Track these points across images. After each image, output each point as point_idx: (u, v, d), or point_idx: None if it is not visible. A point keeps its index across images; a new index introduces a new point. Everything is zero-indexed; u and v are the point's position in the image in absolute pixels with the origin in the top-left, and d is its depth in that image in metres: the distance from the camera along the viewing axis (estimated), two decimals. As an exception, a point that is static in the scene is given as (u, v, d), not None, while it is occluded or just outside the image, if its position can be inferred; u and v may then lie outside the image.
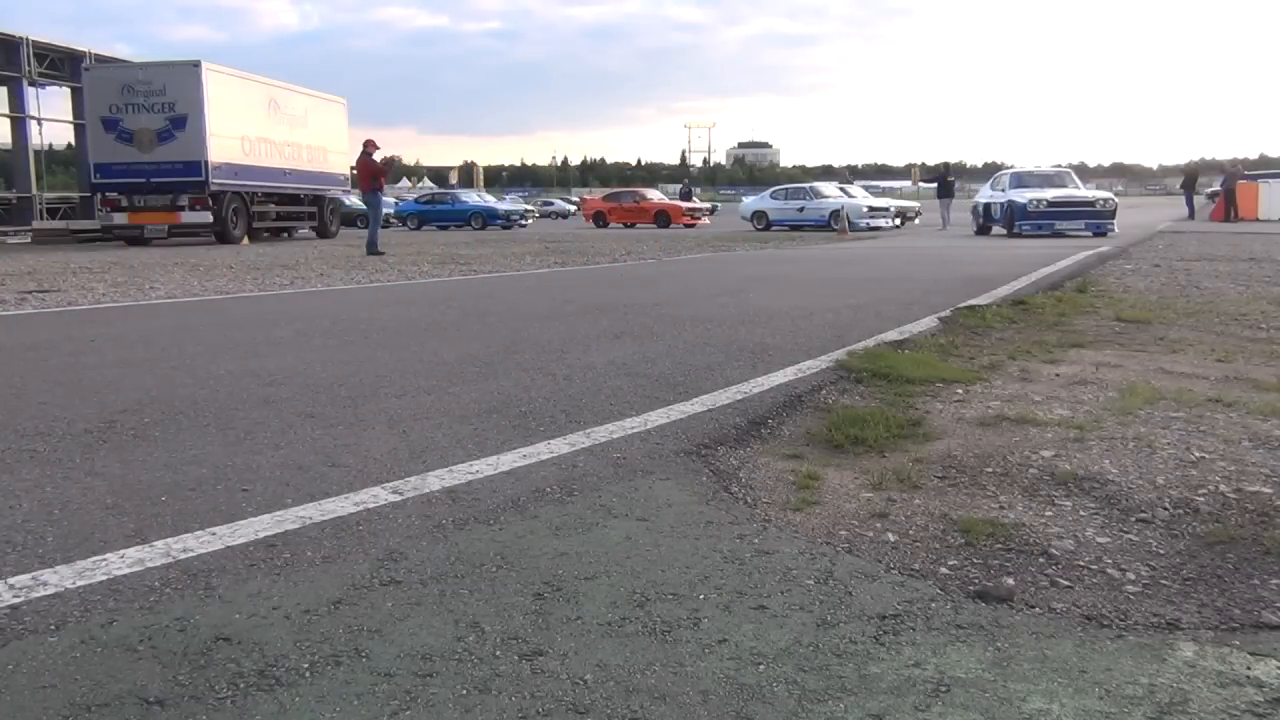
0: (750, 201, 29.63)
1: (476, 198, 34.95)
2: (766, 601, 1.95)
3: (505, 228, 31.09)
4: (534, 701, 1.57)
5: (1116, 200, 19.74)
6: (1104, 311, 6.47)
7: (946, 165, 33.42)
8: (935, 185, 28.86)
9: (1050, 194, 19.58)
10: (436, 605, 1.92)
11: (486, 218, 31.81)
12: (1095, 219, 18.96)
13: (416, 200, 35.33)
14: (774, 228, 26.19)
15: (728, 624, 1.85)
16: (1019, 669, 1.69)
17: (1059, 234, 18.56)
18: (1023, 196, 19.56)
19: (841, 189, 29.13)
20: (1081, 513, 2.49)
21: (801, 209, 26.29)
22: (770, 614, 1.90)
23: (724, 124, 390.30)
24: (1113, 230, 18.66)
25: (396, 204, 36.41)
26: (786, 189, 29.09)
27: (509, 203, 36.64)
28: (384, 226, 20.96)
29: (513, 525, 2.38)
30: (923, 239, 19.93)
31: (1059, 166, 22.94)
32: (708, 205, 36.68)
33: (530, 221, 33.19)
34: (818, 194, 27.09)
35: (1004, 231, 20.09)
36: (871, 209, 26.49)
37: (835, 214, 24.85)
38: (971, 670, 1.68)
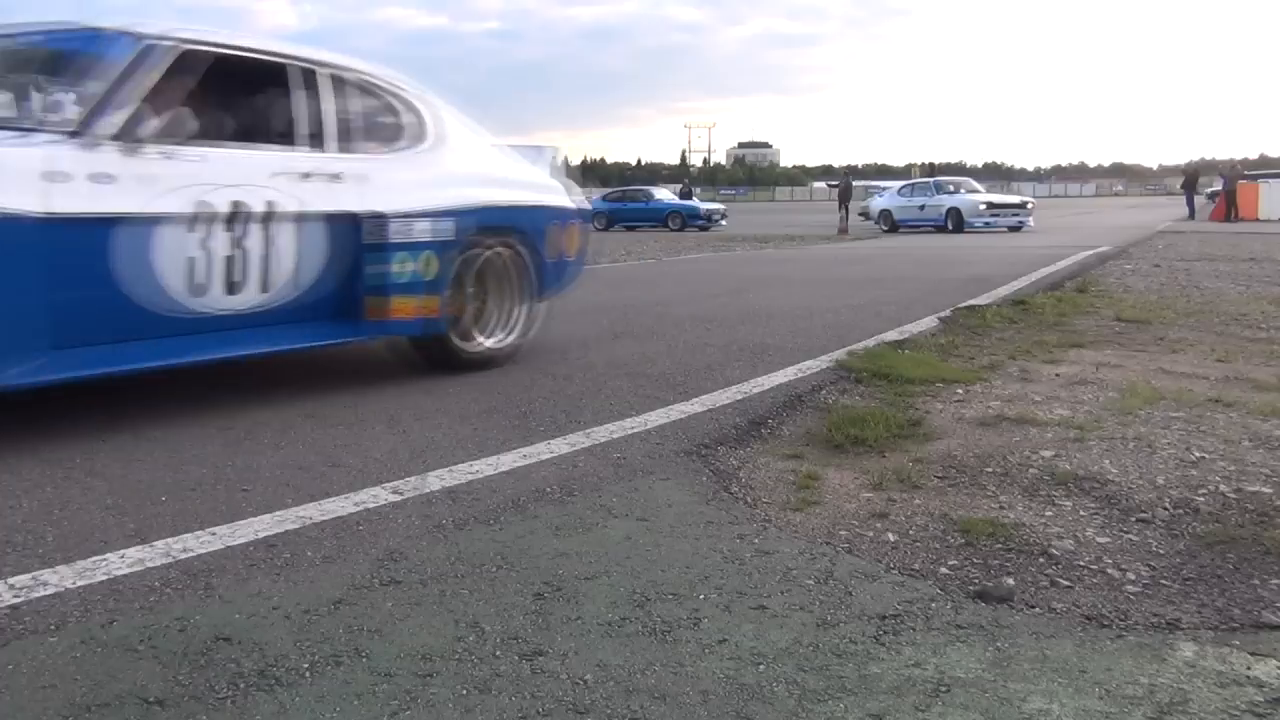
0: (880, 200, 25.16)
1: (672, 195, 30.17)
2: (766, 601, 1.96)
3: (704, 229, 26.26)
4: (534, 701, 1.57)
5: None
6: (1104, 311, 6.47)
7: (850, 169, 32.64)
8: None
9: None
10: (436, 605, 1.92)
11: (686, 217, 27.30)
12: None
13: (605, 198, 29.88)
14: (901, 228, 22.33)
15: (728, 624, 1.86)
16: (1019, 669, 1.69)
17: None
18: None
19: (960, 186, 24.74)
20: (1081, 513, 2.49)
21: (922, 208, 22.29)
22: (770, 614, 1.90)
23: (724, 124, 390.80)
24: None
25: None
26: (913, 184, 24.90)
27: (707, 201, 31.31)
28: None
29: (513, 525, 2.38)
30: (918, 239, 19.91)
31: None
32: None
33: (726, 221, 27.97)
34: (941, 189, 22.91)
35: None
36: (991, 206, 21.35)
37: (950, 213, 21.28)
38: (971, 670, 1.68)
